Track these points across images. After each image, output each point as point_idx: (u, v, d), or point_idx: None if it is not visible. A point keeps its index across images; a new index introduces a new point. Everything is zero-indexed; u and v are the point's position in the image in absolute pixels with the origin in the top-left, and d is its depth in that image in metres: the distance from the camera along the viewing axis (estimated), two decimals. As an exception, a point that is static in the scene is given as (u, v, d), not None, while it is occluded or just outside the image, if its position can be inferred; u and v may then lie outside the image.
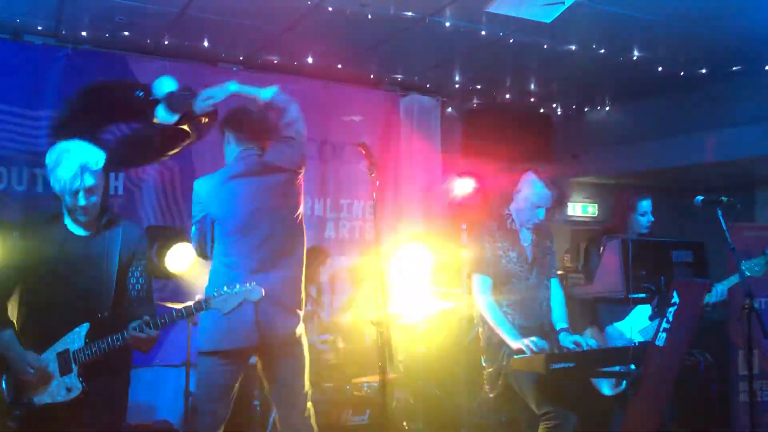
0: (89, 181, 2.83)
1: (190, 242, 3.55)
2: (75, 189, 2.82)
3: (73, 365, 2.84)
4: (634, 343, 3.55)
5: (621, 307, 3.93)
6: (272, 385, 3.45)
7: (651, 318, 3.86)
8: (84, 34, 5.10)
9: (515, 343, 3.42)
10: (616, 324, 3.98)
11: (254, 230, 3.33)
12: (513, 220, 3.78)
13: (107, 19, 4.81)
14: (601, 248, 4.14)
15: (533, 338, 3.39)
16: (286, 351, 3.38)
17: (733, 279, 3.97)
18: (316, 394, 4.46)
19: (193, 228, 3.44)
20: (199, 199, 3.41)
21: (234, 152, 3.48)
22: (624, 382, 3.68)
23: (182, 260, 4.81)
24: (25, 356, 2.81)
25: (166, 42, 5.28)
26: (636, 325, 3.96)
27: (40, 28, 5.00)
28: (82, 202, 2.83)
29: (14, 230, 3.00)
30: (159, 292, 5.21)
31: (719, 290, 3.96)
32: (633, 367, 3.35)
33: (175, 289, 5.19)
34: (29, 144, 5.05)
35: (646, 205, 4.32)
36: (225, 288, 2.97)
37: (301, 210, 3.49)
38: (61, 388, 2.83)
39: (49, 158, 2.87)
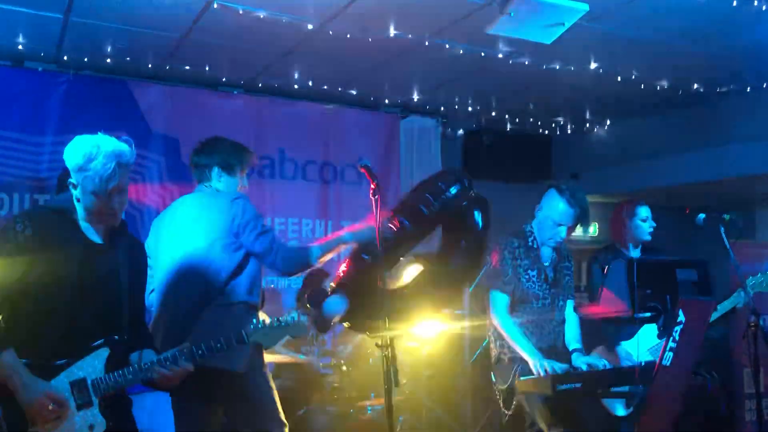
0: (122, 179, 2.47)
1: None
2: (111, 187, 2.44)
3: (94, 397, 2.40)
4: (641, 363, 3.53)
5: (629, 326, 3.90)
6: None
7: (659, 336, 3.85)
8: (85, 59, 5.13)
9: (535, 363, 3.38)
10: (624, 343, 3.95)
11: None
12: (535, 237, 3.75)
13: (109, 44, 4.85)
14: (605, 266, 4.12)
15: (552, 362, 3.36)
16: None
17: (734, 299, 3.95)
18: (320, 418, 4.42)
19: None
20: None
21: None
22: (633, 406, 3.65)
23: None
24: (37, 385, 2.32)
25: (168, 67, 5.31)
26: (644, 343, 3.93)
27: (41, 54, 5.03)
28: (115, 203, 2.47)
29: (18, 224, 2.44)
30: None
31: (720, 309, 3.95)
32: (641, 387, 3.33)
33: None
34: (30, 170, 5.05)
35: (645, 210, 4.29)
36: (268, 320, 2.77)
37: None
38: (83, 427, 2.37)
39: (78, 152, 2.45)
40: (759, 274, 3.99)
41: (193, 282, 3.20)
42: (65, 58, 5.09)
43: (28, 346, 2.37)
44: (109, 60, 5.13)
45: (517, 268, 3.62)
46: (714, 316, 3.87)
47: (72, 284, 2.43)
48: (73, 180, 2.49)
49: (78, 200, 2.50)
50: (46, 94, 5.15)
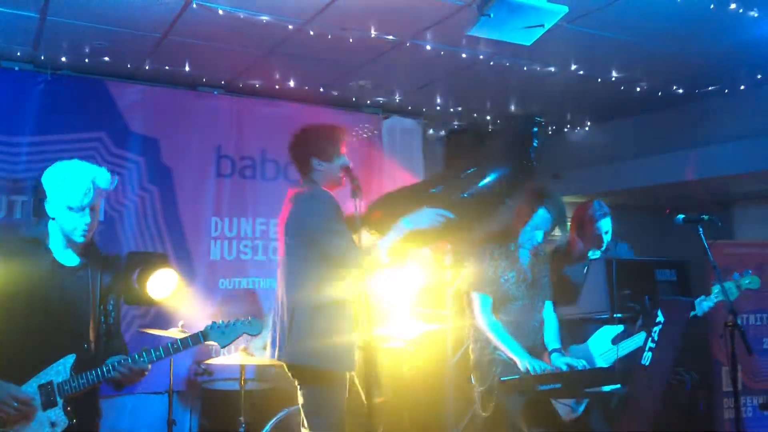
0: (97, 198, 2.74)
1: None
2: (83, 205, 2.69)
3: (58, 398, 2.67)
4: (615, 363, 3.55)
5: (581, 328, 3.92)
6: None
7: (614, 341, 3.85)
8: (63, 59, 5.07)
9: (523, 362, 3.39)
10: (573, 347, 3.95)
11: None
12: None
13: (87, 44, 4.79)
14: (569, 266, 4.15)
15: (541, 362, 3.38)
16: None
17: (708, 303, 3.93)
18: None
19: None
20: None
21: None
22: (581, 408, 3.66)
23: (164, 287, 4.74)
24: (5, 388, 2.61)
25: (147, 67, 5.26)
26: (597, 348, 3.92)
27: (18, 53, 4.96)
28: (87, 219, 2.71)
29: None
30: (141, 319, 5.16)
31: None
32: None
33: (157, 316, 5.14)
34: (7, 171, 4.97)
35: (606, 223, 4.19)
36: (222, 321, 2.90)
37: None
38: (45, 424, 2.64)
39: (51, 176, 2.73)
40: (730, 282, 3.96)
41: None
42: (42, 57, 5.03)
43: (1, 361, 2.65)
44: (87, 60, 5.07)
45: (496, 269, 3.64)
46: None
47: (42, 306, 2.70)
48: (48, 201, 2.73)
49: (53, 219, 2.75)
50: (23, 94, 5.08)
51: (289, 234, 3.36)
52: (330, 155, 3.39)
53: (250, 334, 2.94)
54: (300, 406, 3.31)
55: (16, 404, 2.59)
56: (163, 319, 5.06)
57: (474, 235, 3.83)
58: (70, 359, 2.71)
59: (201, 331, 2.87)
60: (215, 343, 2.89)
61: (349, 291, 3.23)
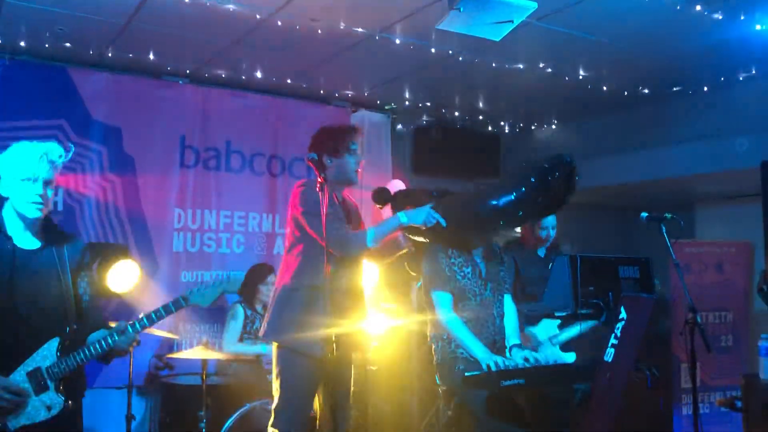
0: (51, 173, 2.67)
1: None
2: (36, 176, 2.64)
3: (49, 382, 2.64)
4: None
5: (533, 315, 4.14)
6: None
7: (560, 327, 4.16)
8: (22, 44, 4.93)
9: (485, 360, 3.40)
10: (529, 328, 4.12)
11: None
12: None
13: (47, 29, 4.66)
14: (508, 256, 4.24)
15: (500, 358, 3.40)
16: None
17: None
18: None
19: None
20: None
21: None
22: None
23: (125, 279, 4.66)
24: None
25: (110, 54, 5.14)
26: (544, 331, 4.15)
27: (-26, 37, 4.82)
28: (39, 190, 2.65)
29: None
30: (101, 311, 5.04)
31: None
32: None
33: (119, 308, 5.03)
34: (-38, 157, 4.83)
35: (547, 220, 4.45)
36: (201, 281, 2.90)
37: None
38: (40, 408, 2.62)
39: (4, 156, 2.69)
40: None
41: None
42: (0, 41, 4.88)
43: None
44: (47, 45, 4.94)
45: (452, 266, 3.65)
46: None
47: (11, 292, 2.64)
48: (1, 181, 2.68)
49: (7, 198, 2.69)
50: (-20, 80, 4.94)
51: (290, 221, 3.49)
52: (340, 153, 3.46)
53: (228, 292, 2.93)
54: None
55: (8, 395, 2.56)
56: (124, 311, 4.94)
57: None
58: (54, 343, 2.67)
59: (182, 296, 2.84)
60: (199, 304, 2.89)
61: (327, 277, 3.22)
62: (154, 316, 2.78)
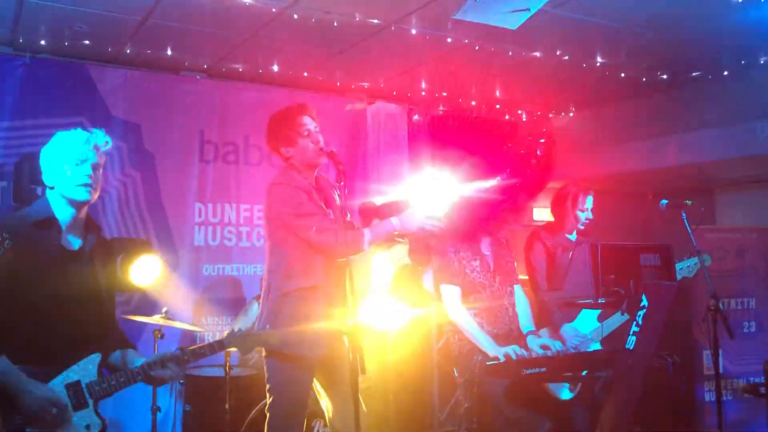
0: (96, 155, 2.63)
1: None
2: (83, 158, 2.58)
3: (89, 399, 2.52)
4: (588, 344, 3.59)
5: (571, 308, 4.06)
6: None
7: (599, 318, 4.05)
8: (43, 42, 4.98)
9: (493, 352, 3.42)
10: (568, 324, 4.06)
11: None
12: None
13: (66, 27, 4.71)
14: (549, 246, 4.22)
15: (513, 346, 3.41)
16: None
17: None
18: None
19: None
20: None
21: None
22: (579, 385, 3.72)
23: (148, 273, 4.71)
24: (38, 391, 2.40)
25: (128, 50, 5.18)
26: (584, 326, 4.07)
27: (-4, 36, 4.88)
28: (88, 171, 2.57)
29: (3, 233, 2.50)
30: (124, 306, 5.12)
31: None
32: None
33: (140, 302, 5.10)
34: (-13, 155, 4.91)
35: (588, 201, 4.40)
36: (240, 330, 2.88)
37: None
38: (80, 427, 2.48)
39: (47, 147, 2.63)
40: (693, 258, 4.04)
41: None
42: (21, 40, 4.94)
43: (22, 353, 2.44)
44: (67, 43, 4.99)
45: (461, 260, 3.67)
46: None
47: (54, 294, 2.51)
48: (45, 172, 2.61)
49: (52, 188, 2.60)
50: (2, 78, 4.99)
51: (265, 220, 3.40)
52: (293, 140, 3.35)
53: (268, 345, 3.03)
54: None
55: (54, 410, 2.43)
56: (146, 305, 5.02)
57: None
58: (96, 358, 2.58)
59: (225, 339, 2.83)
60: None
61: (322, 276, 3.22)
62: (198, 352, 2.75)
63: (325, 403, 3.40)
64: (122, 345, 2.76)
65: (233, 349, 2.92)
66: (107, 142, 2.69)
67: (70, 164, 2.58)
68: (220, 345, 2.79)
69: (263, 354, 3.33)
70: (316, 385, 3.40)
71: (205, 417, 4.71)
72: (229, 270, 5.76)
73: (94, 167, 2.63)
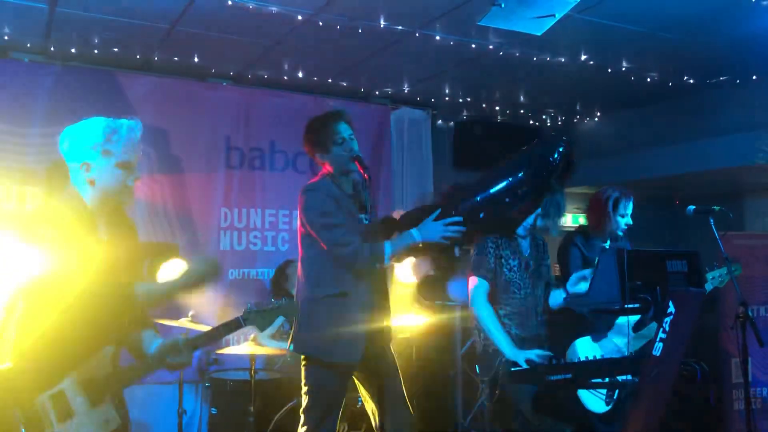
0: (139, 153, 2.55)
1: None
2: (132, 160, 2.49)
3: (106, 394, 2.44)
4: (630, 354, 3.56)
5: (601, 320, 3.95)
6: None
7: (635, 330, 3.87)
8: (73, 51, 5.08)
9: (510, 353, 3.39)
10: (603, 342, 3.96)
11: None
12: None
13: (96, 35, 4.80)
14: (583, 250, 4.16)
15: (536, 350, 3.38)
16: None
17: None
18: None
19: None
20: None
21: None
22: (615, 397, 3.68)
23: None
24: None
25: (156, 58, 5.27)
26: (622, 339, 3.94)
27: (28, 45, 4.98)
28: (137, 174, 2.49)
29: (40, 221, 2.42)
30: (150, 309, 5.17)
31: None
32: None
33: (167, 305, 5.15)
34: (18, 161, 5.00)
35: (630, 206, 4.24)
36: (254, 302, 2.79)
37: None
38: (99, 422, 2.40)
39: (94, 131, 2.49)
40: (722, 268, 3.96)
41: None
42: (52, 49, 5.04)
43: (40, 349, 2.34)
44: (96, 51, 5.09)
45: (499, 258, 3.65)
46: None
47: (89, 281, 2.39)
48: (88, 161, 2.46)
49: (92, 183, 2.47)
50: (33, 86, 5.09)
51: (299, 224, 3.43)
52: (327, 147, 3.37)
53: (287, 316, 2.83)
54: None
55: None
56: (172, 308, 5.07)
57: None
58: (108, 351, 2.46)
59: (242, 317, 2.70)
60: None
61: (353, 283, 3.24)
62: (213, 334, 2.70)
63: (371, 408, 3.43)
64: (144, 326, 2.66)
65: (251, 326, 2.77)
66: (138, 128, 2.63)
67: (126, 164, 2.54)
68: (236, 323, 2.69)
69: (302, 362, 3.36)
70: (361, 389, 3.45)
71: (230, 420, 4.75)
72: (254, 274, 5.81)
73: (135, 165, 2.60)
